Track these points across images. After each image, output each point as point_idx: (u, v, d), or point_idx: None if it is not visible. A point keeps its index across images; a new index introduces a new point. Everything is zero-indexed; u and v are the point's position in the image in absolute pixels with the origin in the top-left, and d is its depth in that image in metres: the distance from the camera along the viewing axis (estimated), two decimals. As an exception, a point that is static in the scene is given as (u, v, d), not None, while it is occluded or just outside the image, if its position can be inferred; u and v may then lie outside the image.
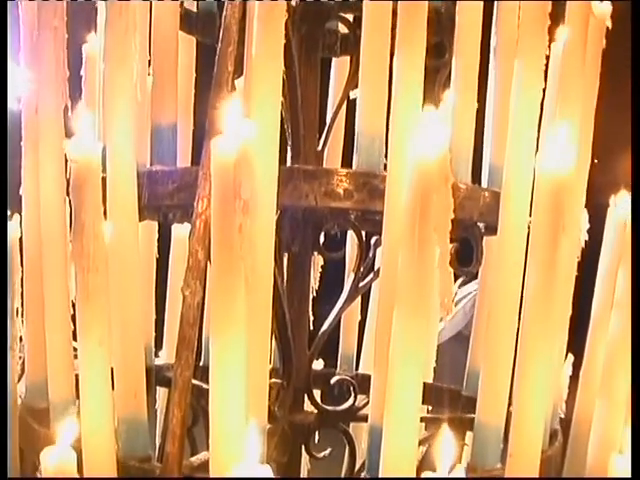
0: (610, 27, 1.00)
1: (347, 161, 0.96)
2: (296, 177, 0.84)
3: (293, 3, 0.82)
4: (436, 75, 1.03)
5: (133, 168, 0.87)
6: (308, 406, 1.01)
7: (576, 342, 1.05)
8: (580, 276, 1.00)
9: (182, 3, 1.03)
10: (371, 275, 0.97)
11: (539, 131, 0.89)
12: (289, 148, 0.99)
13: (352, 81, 1.01)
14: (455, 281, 0.97)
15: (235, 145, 0.69)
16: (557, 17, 0.96)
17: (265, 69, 0.78)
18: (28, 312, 0.89)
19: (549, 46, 0.91)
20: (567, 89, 0.93)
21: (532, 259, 0.80)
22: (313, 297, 1.04)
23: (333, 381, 1.01)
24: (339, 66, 1.13)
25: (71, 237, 0.75)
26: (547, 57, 0.89)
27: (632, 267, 0.89)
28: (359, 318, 1.14)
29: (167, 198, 0.87)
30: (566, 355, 1.03)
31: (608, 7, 1.01)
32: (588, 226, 1.03)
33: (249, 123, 0.70)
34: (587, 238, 1.02)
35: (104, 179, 0.85)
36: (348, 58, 1.08)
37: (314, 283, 1.03)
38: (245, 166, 0.69)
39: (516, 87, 0.89)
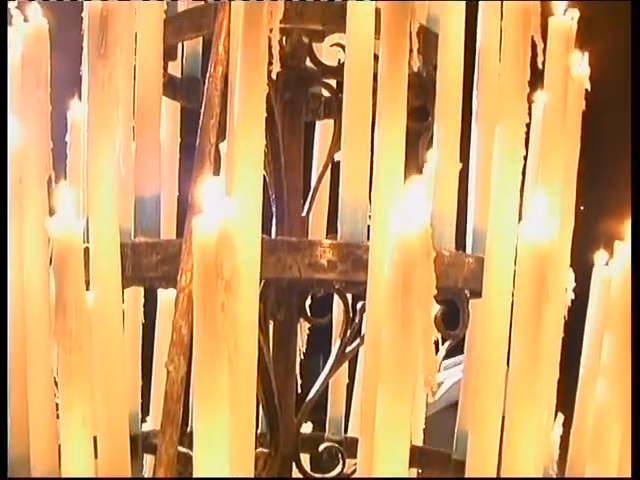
0: (589, 90, 1.01)
1: (333, 222, 0.96)
2: (279, 249, 0.84)
3: (274, 72, 0.82)
4: (419, 138, 1.03)
5: (116, 239, 0.87)
6: (296, 472, 1.00)
7: (567, 400, 1.04)
8: (569, 330, 1.00)
9: (166, 69, 1.03)
10: (358, 340, 0.97)
11: (522, 197, 0.89)
12: (274, 213, 1.00)
13: (336, 145, 1.01)
14: (443, 343, 0.98)
15: (216, 225, 0.69)
16: (536, 81, 0.97)
17: (247, 142, 0.78)
18: (13, 385, 0.89)
19: (529, 111, 0.91)
20: (548, 153, 0.94)
21: (516, 329, 0.80)
22: (301, 360, 1.04)
23: (322, 448, 1.00)
24: (323, 129, 1.13)
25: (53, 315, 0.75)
26: (528, 124, 0.90)
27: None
28: (347, 381, 1.13)
29: (151, 270, 0.87)
30: (556, 414, 1.02)
31: (586, 71, 1.02)
32: (574, 284, 1.03)
33: (231, 201, 0.71)
34: (573, 297, 1.02)
35: (87, 249, 0.85)
36: (332, 121, 1.09)
37: (301, 347, 1.03)
38: (227, 245, 0.69)
39: (497, 154, 0.89)
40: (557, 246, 0.79)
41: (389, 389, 0.74)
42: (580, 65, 1.02)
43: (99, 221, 0.87)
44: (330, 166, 1.05)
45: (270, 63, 0.81)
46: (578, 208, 1.02)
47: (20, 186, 0.93)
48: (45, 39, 0.94)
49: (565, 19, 0.96)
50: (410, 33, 0.83)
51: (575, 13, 0.97)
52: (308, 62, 1.02)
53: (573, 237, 0.99)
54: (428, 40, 0.98)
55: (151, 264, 0.87)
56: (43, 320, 0.81)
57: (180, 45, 1.07)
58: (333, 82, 1.05)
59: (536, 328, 0.78)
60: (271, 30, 0.81)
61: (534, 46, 0.91)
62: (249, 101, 0.79)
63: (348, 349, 0.98)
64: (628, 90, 1.20)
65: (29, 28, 0.94)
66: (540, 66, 0.90)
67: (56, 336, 0.75)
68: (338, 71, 0.98)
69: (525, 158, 0.89)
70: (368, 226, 0.86)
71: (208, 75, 0.88)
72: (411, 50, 0.84)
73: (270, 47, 0.81)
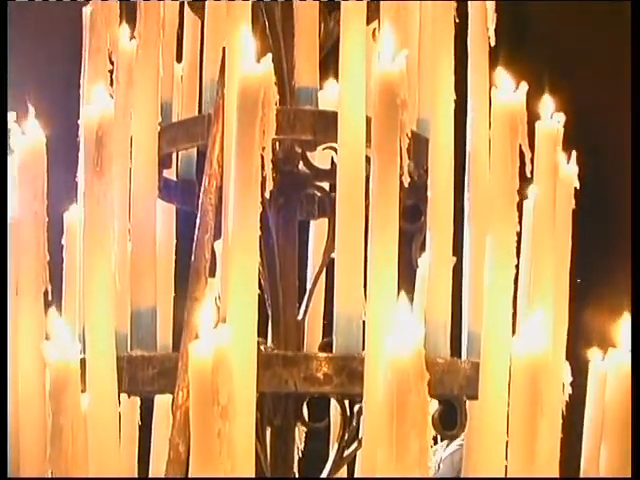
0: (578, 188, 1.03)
1: (329, 325, 0.96)
2: (275, 363, 0.84)
3: (267, 192, 0.83)
4: (412, 239, 1.04)
5: (113, 352, 0.87)
6: None
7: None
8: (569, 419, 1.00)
9: (161, 172, 1.05)
10: (355, 444, 0.97)
11: (515, 303, 0.90)
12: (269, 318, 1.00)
13: (331, 245, 1.02)
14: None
15: (212, 351, 0.69)
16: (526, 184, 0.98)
17: (241, 264, 0.79)
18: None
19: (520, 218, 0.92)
20: (539, 257, 0.95)
21: (512, 442, 0.80)
22: (298, 465, 1.04)
23: None
24: (317, 228, 1.14)
25: (49, 440, 0.75)
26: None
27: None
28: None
29: (147, 384, 0.87)
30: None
31: (574, 169, 1.04)
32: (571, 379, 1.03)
33: (225, 327, 0.71)
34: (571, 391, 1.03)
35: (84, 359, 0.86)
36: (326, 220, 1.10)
37: (298, 453, 1.03)
38: (223, 372, 0.70)
39: (489, 260, 0.90)
40: (550, 359, 0.80)
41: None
42: (568, 165, 1.04)
43: (95, 333, 0.88)
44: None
45: (263, 181, 0.82)
46: (572, 300, 1.02)
47: (17, 298, 0.94)
48: (42, 153, 0.96)
49: (552, 123, 0.98)
50: (400, 145, 0.85)
51: (561, 116, 0.99)
52: (301, 165, 1.04)
53: (569, 332, 1.00)
54: (418, 144, 0.99)
55: (147, 377, 0.87)
56: (39, 441, 0.81)
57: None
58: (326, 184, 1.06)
59: (531, 441, 0.78)
60: (264, 149, 0.82)
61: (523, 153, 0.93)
62: (243, 221, 0.80)
63: (346, 453, 0.98)
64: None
65: (26, 142, 0.96)
66: (529, 174, 0.92)
67: (51, 461, 0.75)
68: (331, 174, 1.00)
69: (517, 267, 0.89)
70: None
71: (202, 189, 0.89)
72: (401, 160, 0.85)
73: (263, 162, 0.83)
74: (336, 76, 1.05)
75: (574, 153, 1.04)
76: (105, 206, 0.88)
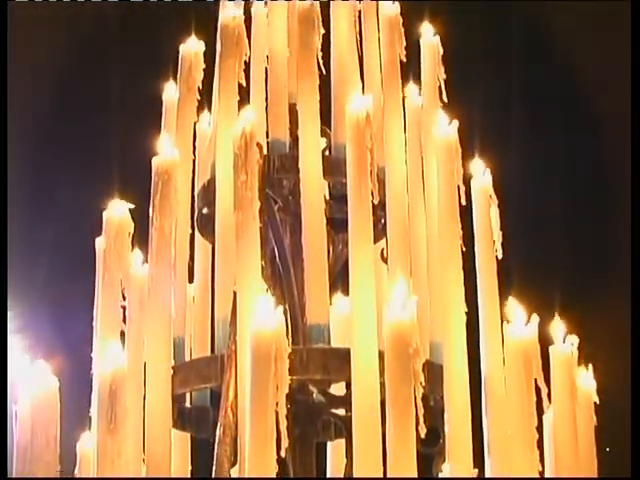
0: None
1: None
2: None
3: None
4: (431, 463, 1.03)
5: None
6: None
7: None
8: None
9: (175, 401, 1.03)
10: None
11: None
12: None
13: (350, 466, 1.00)
14: None
15: None
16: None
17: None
18: None
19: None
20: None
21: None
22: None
23: None
24: (334, 448, 1.12)
25: None
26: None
27: None
28: None
29: None
30: None
31: (592, 384, 1.03)
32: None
33: None
34: None
35: None
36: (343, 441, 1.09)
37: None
38: None
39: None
40: None
41: None
42: (585, 380, 1.03)
43: None
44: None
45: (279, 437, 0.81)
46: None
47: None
48: (54, 399, 0.95)
49: (565, 346, 0.98)
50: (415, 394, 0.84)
51: (574, 339, 0.99)
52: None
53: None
54: (432, 371, 0.98)
55: None
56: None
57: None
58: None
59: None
60: (277, 404, 0.82)
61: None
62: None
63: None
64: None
65: (39, 388, 0.96)
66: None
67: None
68: (346, 400, 0.99)
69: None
70: None
71: (217, 440, 0.88)
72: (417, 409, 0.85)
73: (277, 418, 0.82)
74: (345, 290, 1.06)
75: (590, 368, 1.04)
76: (119, 465, 0.86)
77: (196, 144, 1.18)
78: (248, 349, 0.85)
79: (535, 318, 0.91)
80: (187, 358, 1.06)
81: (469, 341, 0.99)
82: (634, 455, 0.84)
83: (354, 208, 0.95)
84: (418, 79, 1.19)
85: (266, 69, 1.15)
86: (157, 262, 0.98)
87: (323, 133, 1.13)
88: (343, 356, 0.94)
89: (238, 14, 1.11)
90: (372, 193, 0.94)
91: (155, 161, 1.00)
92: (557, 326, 0.98)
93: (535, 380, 0.91)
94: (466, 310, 0.99)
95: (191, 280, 1.15)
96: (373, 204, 0.96)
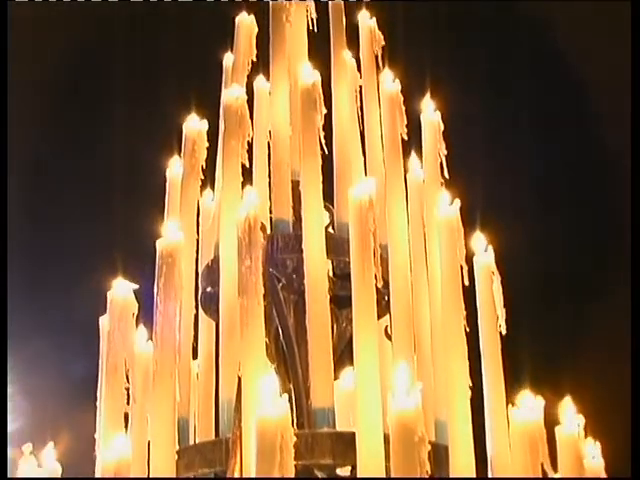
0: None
1: None
2: None
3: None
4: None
5: None
6: None
7: None
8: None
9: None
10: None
11: None
12: None
13: None
14: None
15: None
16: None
17: None
18: None
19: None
20: None
21: None
22: None
23: None
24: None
25: None
26: None
27: None
28: None
29: None
30: None
31: (600, 462, 1.02)
32: None
33: None
34: None
35: None
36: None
37: None
38: None
39: None
40: None
41: None
42: (593, 457, 1.02)
43: None
44: None
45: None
46: None
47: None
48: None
49: (572, 427, 0.97)
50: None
51: (581, 419, 0.98)
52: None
53: None
54: (438, 452, 0.98)
55: None
56: None
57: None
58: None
59: None
60: None
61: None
62: None
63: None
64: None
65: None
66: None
67: None
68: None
69: None
70: None
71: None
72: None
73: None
74: (352, 361, 1.05)
75: (598, 445, 1.03)
76: None
77: (199, 219, 1.19)
78: (253, 435, 0.85)
79: (540, 401, 0.91)
80: (191, 440, 1.05)
81: (474, 421, 0.99)
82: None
83: (357, 289, 0.95)
84: (420, 151, 1.20)
85: (268, 144, 1.16)
86: (162, 347, 0.98)
87: (326, 209, 1.14)
88: (348, 440, 0.93)
89: (241, 94, 1.12)
90: (375, 276, 0.94)
91: (159, 244, 1.00)
92: (566, 406, 0.98)
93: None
94: (470, 385, 0.99)
95: (195, 356, 1.15)
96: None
